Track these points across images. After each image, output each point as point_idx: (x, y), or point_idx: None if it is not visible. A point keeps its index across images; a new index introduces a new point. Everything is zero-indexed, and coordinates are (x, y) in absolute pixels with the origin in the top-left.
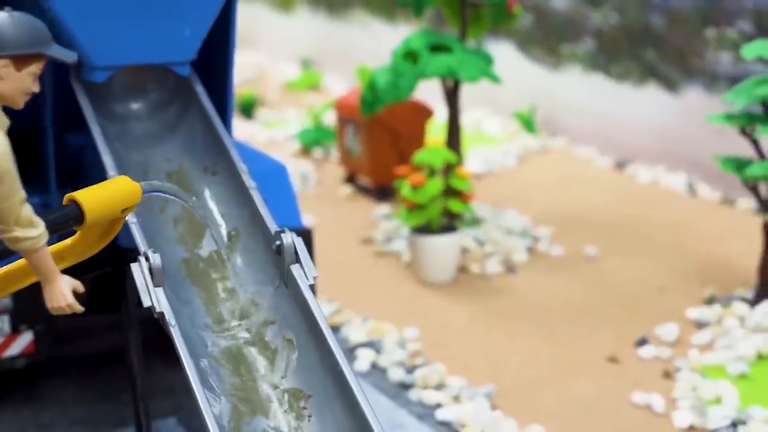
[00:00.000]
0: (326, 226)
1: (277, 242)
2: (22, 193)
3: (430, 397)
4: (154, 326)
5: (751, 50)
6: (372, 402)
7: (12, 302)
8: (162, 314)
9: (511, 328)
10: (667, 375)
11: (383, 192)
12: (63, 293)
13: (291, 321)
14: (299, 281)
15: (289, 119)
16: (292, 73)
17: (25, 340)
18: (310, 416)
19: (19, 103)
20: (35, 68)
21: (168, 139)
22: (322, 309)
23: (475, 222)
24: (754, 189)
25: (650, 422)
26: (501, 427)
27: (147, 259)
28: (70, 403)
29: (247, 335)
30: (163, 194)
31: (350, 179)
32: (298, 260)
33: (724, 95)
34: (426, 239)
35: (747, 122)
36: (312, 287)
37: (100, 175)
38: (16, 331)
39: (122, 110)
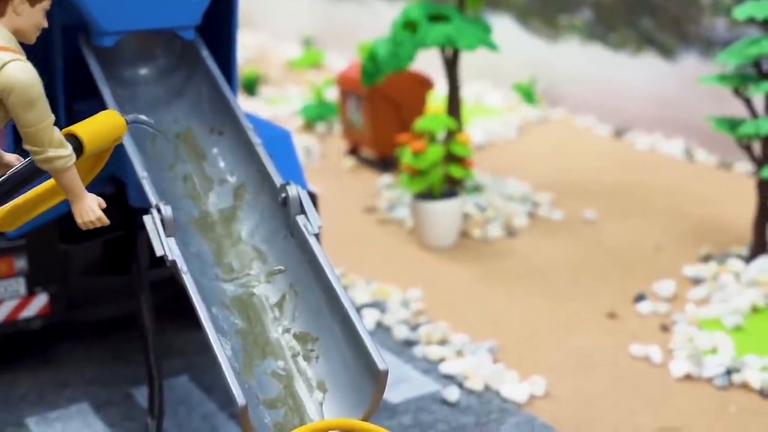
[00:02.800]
0: (330, 196)
1: (283, 194)
2: (52, 117)
3: (434, 352)
4: (163, 291)
5: (742, 11)
6: None
7: (27, 265)
8: (174, 262)
9: (512, 288)
10: (665, 328)
11: (385, 163)
12: (92, 207)
13: (297, 269)
14: (305, 230)
15: (291, 96)
16: (294, 52)
17: (40, 302)
18: (317, 357)
19: (32, 38)
20: (46, 3)
21: (175, 102)
22: (327, 256)
23: (476, 189)
24: (747, 148)
25: (648, 372)
26: (503, 378)
27: (159, 211)
28: (85, 364)
29: (255, 283)
30: (142, 125)
31: (353, 151)
32: (303, 211)
33: (717, 56)
34: (428, 204)
35: (740, 82)
36: (317, 236)
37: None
38: (31, 293)
39: (131, 75)
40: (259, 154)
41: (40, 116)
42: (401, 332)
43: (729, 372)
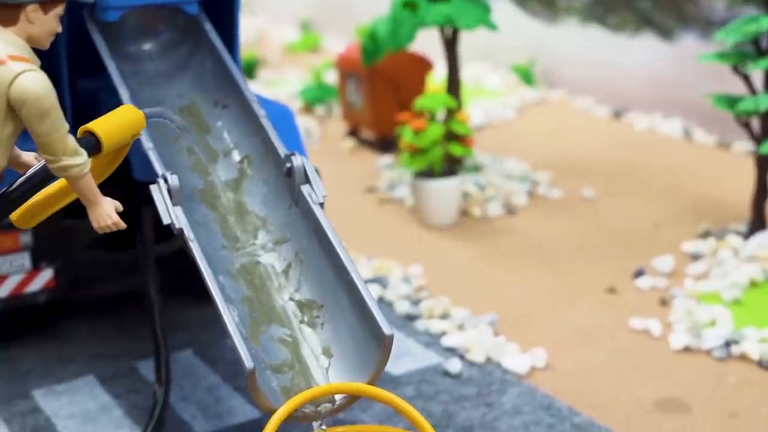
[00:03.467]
0: (330, 177)
1: (288, 165)
2: (66, 125)
3: (436, 326)
4: (166, 269)
5: None
6: None
7: (32, 240)
8: (181, 230)
9: (512, 264)
10: (664, 303)
11: (385, 144)
12: (108, 213)
13: (302, 238)
14: (309, 200)
15: (290, 79)
16: (292, 36)
17: (45, 276)
18: (323, 324)
19: (46, 44)
20: (60, 9)
21: (179, 76)
22: (332, 225)
23: (476, 168)
24: (746, 125)
25: (647, 345)
26: (504, 350)
27: (165, 180)
28: (90, 340)
29: (261, 252)
30: (161, 119)
31: (353, 133)
32: (307, 181)
33: (715, 33)
34: (428, 183)
35: (738, 60)
36: (321, 206)
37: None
38: (36, 267)
39: (135, 50)
40: (263, 126)
41: (54, 126)
42: (403, 307)
43: (728, 344)
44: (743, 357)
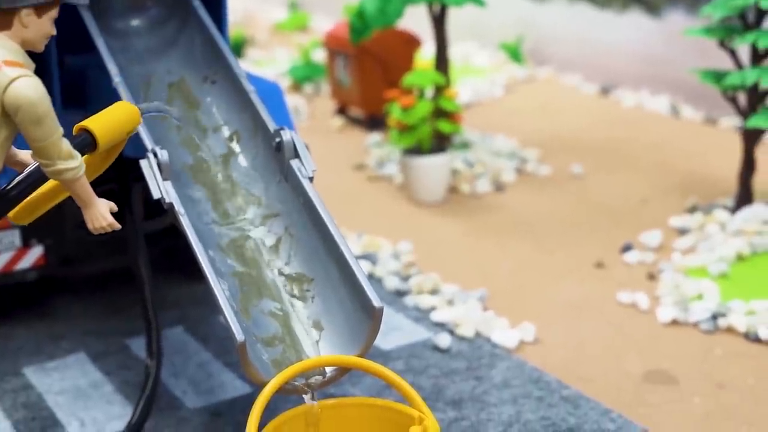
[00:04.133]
0: (319, 155)
1: (277, 139)
2: (61, 129)
3: (425, 301)
4: (156, 247)
5: None
6: None
7: None
8: (171, 205)
9: (501, 240)
10: (651, 277)
11: (374, 121)
12: (102, 214)
13: (293, 212)
14: (299, 174)
15: (278, 58)
16: (280, 15)
17: (35, 253)
18: (313, 297)
19: (40, 48)
20: (54, 13)
21: (168, 52)
22: (321, 199)
23: (465, 145)
24: (733, 100)
25: (635, 318)
26: (493, 325)
27: (155, 155)
28: (81, 317)
29: (251, 227)
30: (157, 113)
31: (341, 111)
32: (297, 155)
33: (702, 8)
34: (417, 160)
35: (725, 34)
36: (311, 180)
37: (102, 95)
38: (26, 245)
39: (123, 27)
40: (252, 101)
41: (49, 131)
42: (392, 283)
43: (715, 317)
44: (730, 329)
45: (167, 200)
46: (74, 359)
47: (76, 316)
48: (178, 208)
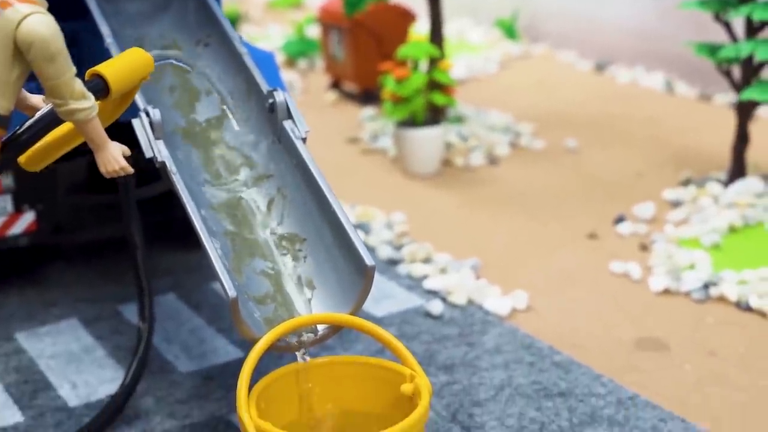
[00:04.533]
0: (313, 129)
1: (270, 100)
2: (73, 68)
3: (418, 270)
4: (150, 217)
5: None
6: None
7: (14, 182)
8: (163, 163)
9: (495, 212)
10: (644, 248)
11: (368, 96)
12: (115, 157)
13: (285, 173)
14: (292, 135)
15: (272, 35)
16: None
17: (27, 219)
18: (305, 257)
19: None
20: None
21: (161, 17)
22: (314, 160)
23: (459, 119)
24: (727, 73)
25: (627, 288)
26: (486, 293)
27: (147, 114)
28: (73, 284)
29: (243, 188)
30: (170, 61)
31: (335, 85)
32: (290, 116)
33: None
34: (411, 132)
35: (719, 7)
36: (304, 141)
37: (95, 59)
38: (18, 210)
39: None
40: (245, 64)
41: (62, 69)
42: (385, 252)
43: (707, 286)
44: (721, 299)
45: (159, 159)
46: (66, 325)
47: (69, 283)
48: (170, 166)
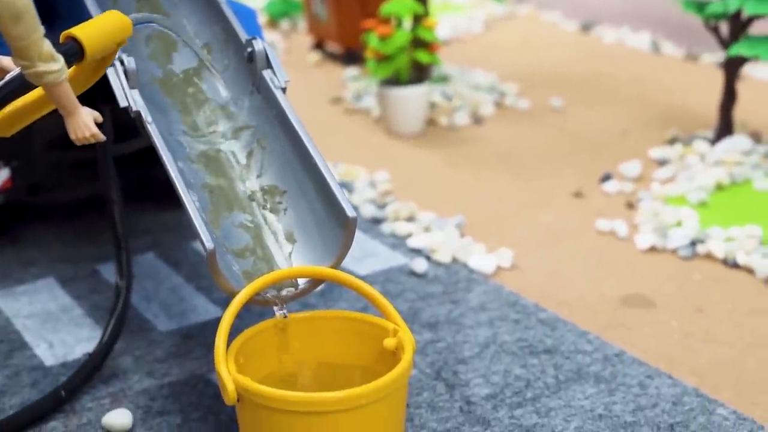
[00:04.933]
0: (295, 89)
1: (249, 49)
2: (41, 29)
3: (402, 228)
4: (127, 176)
5: None
6: None
7: None
8: (138, 113)
9: (479, 171)
10: (630, 206)
11: (351, 56)
12: (86, 123)
13: (264, 124)
14: (271, 84)
15: None
16: None
17: (1, 176)
18: (285, 210)
19: None
20: None
21: None
22: (294, 110)
23: (443, 79)
24: (715, 29)
25: (613, 245)
26: (470, 251)
27: (122, 62)
28: (51, 244)
29: (221, 140)
30: (150, 24)
31: (318, 46)
32: (269, 65)
33: None
34: (395, 91)
35: None
36: (283, 91)
37: (72, 13)
38: None
39: None
40: (223, 13)
41: (28, 30)
42: (368, 210)
43: (693, 243)
44: (708, 256)
45: (134, 108)
46: (43, 284)
47: (46, 243)
48: (146, 116)
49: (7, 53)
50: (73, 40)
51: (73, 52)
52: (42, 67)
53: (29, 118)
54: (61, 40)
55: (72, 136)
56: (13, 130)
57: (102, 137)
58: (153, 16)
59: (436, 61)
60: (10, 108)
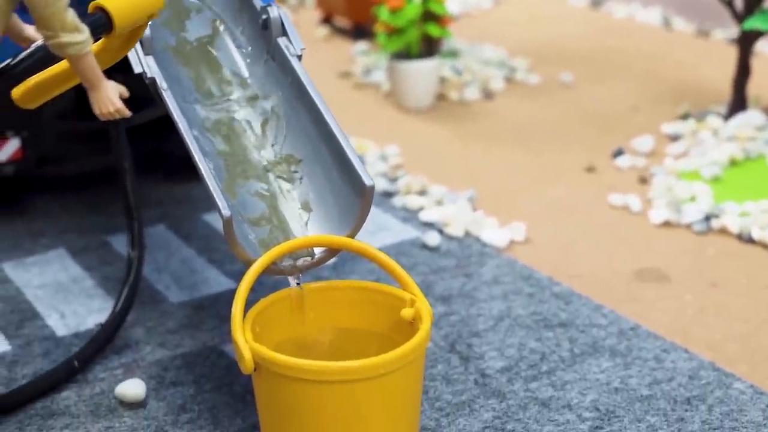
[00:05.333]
0: (304, 64)
1: (264, 17)
2: None
3: (414, 202)
4: (138, 148)
5: None
6: None
7: None
8: (153, 79)
9: (490, 145)
10: (643, 181)
11: (360, 31)
12: (110, 98)
13: (280, 92)
14: (286, 52)
15: None
16: None
17: (12, 146)
18: (301, 178)
19: None
20: None
21: None
22: (309, 77)
23: (453, 54)
24: (729, 3)
25: (627, 220)
26: (483, 224)
27: None
28: (61, 215)
29: (236, 108)
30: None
31: (326, 20)
32: (284, 33)
33: None
34: (405, 64)
35: None
36: (299, 58)
37: None
38: (2, 137)
39: None
40: None
41: None
42: (380, 184)
43: (708, 218)
44: (723, 231)
45: (149, 74)
46: (54, 255)
47: (56, 214)
48: (160, 82)
49: (31, 22)
50: (102, 11)
51: (101, 24)
52: (65, 37)
53: (54, 90)
54: (89, 11)
55: (96, 111)
56: (37, 102)
57: (127, 113)
58: None
59: (447, 34)
60: (34, 79)
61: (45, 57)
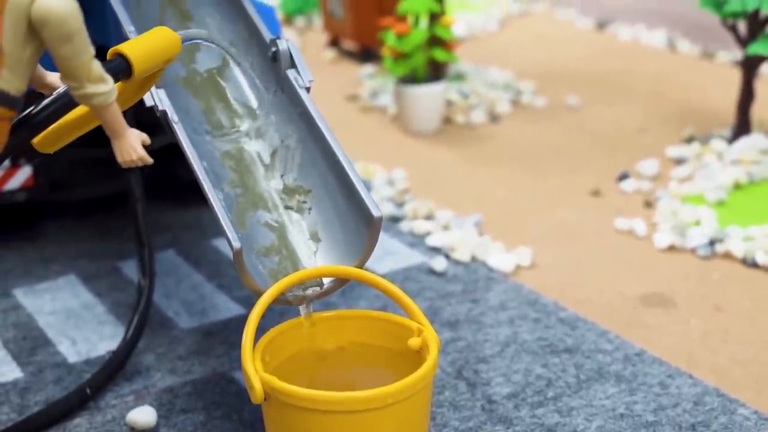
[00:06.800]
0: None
1: (273, 49)
2: (91, 50)
3: (420, 227)
4: (148, 174)
5: None
6: None
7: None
8: (164, 112)
9: (496, 168)
10: (648, 204)
11: (367, 54)
12: (133, 146)
13: (289, 123)
14: (295, 84)
15: None
16: None
17: (24, 174)
18: (310, 209)
19: None
20: None
21: None
22: (318, 109)
23: (459, 77)
24: (733, 28)
25: (632, 244)
26: (489, 249)
27: None
28: (71, 241)
29: (245, 139)
30: (200, 41)
31: (334, 43)
32: (293, 65)
33: None
34: (412, 89)
35: None
36: (307, 90)
37: (92, 15)
38: (15, 165)
39: None
40: (246, 11)
41: (78, 51)
42: (387, 209)
43: (712, 242)
44: (727, 255)
45: (160, 107)
46: (65, 281)
47: (67, 240)
48: (171, 115)
49: (53, 68)
50: (121, 57)
51: (121, 69)
52: (91, 88)
53: (73, 135)
54: (108, 57)
55: (119, 159)
56: (56, 146)
57: (149, 160)
58: (201, 32)
59: (453, 59)
60: (54, 125)
61: (66, 104)
